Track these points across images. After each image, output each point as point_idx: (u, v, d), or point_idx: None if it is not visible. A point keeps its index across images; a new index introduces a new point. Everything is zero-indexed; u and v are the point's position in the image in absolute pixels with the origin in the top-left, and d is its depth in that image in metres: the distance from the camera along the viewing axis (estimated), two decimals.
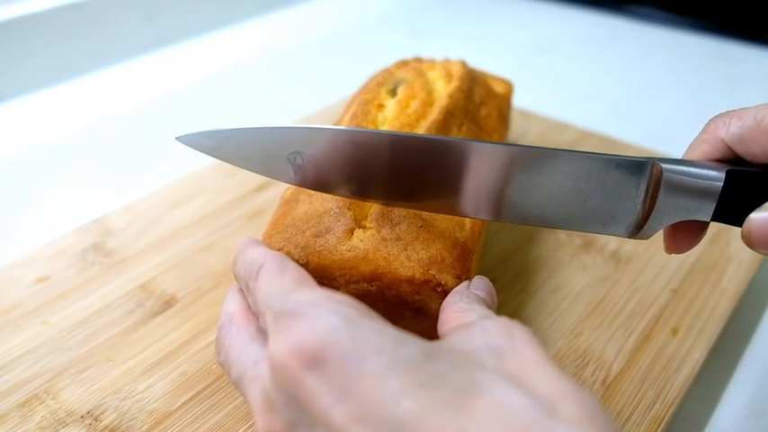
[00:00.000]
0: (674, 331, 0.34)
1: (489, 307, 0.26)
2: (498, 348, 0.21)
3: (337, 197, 0.29)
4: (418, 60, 0.41)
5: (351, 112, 0.34)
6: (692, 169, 0.24)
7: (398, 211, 0.28)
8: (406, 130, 0.32)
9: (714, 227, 0.42)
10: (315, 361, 0.19)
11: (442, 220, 0.29)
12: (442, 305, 0.26)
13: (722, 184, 0.24)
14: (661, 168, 0.24)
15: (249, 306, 0.26)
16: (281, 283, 0.24)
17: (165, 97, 0.64)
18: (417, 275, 0.27)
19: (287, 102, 0.62)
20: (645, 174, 0.25)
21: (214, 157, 0.29)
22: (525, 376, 0.19)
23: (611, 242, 0.41)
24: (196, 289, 0.37)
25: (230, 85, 0.66)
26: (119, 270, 0.38)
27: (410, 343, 0.20)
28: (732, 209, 0.24)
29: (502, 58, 0.71)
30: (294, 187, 0.32)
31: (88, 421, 0.30)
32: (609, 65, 0.70)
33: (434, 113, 0.33)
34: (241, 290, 0.27)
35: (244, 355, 0.24)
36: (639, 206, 0.25)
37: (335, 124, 0.36)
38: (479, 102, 0.37)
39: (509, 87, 0.43)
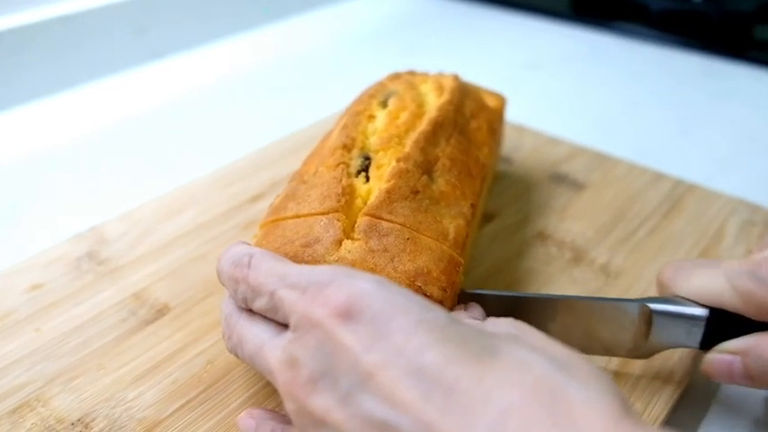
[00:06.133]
0: None
1: None
2: (511, 334, 0.23)
3: (326, 207, 0.29)
4: (411, 73, 0.42)
5: (342, 123, 0.35)
6: (678, 309, 0.29)
7: (387, 223, 0.29)
8: (395, 141, 0.33)
9: (702, 241, 0.43)
10: (349, 317, 0.21)
11: (431, 233, 0.30)
12: None
13: (705, 322, 0.29)
14: (650, 310, 0.30)
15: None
16: (286, 266, 0.25)
17: (157, 110, 0.64)
18: (403, 287, 0.27)
19: (279, 115, 0.63)
20: (637, 314, 0.30)
21: None
22: (539, 347, 0.21)
23: (601, 256, 0.41)
24: (189, 298, 0.37)
25: (222, 99, 0.67)
26: (113, 278, 0.39)
27: (435, 308, 0.22)
28: (717, 339, 0.29)
29: (490, 73, 0.72)
30: (284, 195, 0.32)
31: (78, 429, 0.30)
32: (597, 81, 0.71)
33: (423, 125, 0.34)
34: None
35: (261, 333, 0.25)
36: (635, 338, 0.31)
37: (327, 134, 0.37)
38: (470, 115, 0.38)
39: (501, 101, 0.44)
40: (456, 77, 0.41)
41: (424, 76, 0.42)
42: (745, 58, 0.73)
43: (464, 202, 0.32)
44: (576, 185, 0.48)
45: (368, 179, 0.31)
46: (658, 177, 0.49)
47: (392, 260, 0.28)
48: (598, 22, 0.83)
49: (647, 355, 0.31)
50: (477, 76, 0.50)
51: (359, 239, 0.28)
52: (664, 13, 0.82)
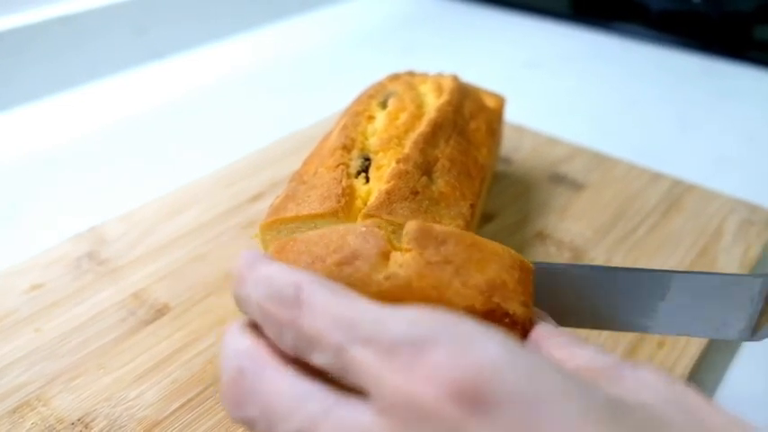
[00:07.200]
0: (660, 345, 0.35)
1: None
2: (679, 406, 0.18)
3: (326, 207, 0.29)
4: (410, 74, 0.42)
5: (342, 124, 0.35)
6: None
7: (440, 227, 0.24)
8: (395, 142, 0.33)
9: (701, 240, 0.43)
10: (478, 403, 0.15)
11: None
12: (532, 341, 0.22)
13: None
14: None
15: (268, 341, 0.20)
16: (352, 305, 0.18)
17: (157, 110, 0.64)
18: (478, 305, 0.22)
19: (279, 115, 0.63)
20: (758, 291, 0.28)
21: None
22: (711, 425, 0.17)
23: (600, 256, 0.41)
24: (189, 298, 0.37)
25: (222, 99, 0.67)
26: (113, 278, 0.39)
27: (592, 386, 0.16)
28: None
29: (490, 73, 0.72)
30: (284, 195, 0.32)
31: (79, 428, 0.30)
32: (596, 81, 0.71)
33: (422, 126, 0.34)
34: (248, 326, 0.21)
35: (303, 403, 0.17)
36: (752, 317, 0.28)
37: (326, 135, 0.37)
38: (469, 116, 0.38)
39: (500, 102, 0.44)
40: (455, 78, 0.41)
41: (424, 76, 0.42)
42: (744, 58, 0.73)
43: (463, 203, 0.32)
44: (576, 185, 0.48)
45: (368, 180, 0.31)
46: (657, 177, 0.49)
47: (457, 273, 0.22)
48: (598, 23, 0.83)
49: (758, 337, 0.28)
50: (476, 75, 0.50)
51: (410, 249, 0.23)
52: (663, 14, 0.82)
